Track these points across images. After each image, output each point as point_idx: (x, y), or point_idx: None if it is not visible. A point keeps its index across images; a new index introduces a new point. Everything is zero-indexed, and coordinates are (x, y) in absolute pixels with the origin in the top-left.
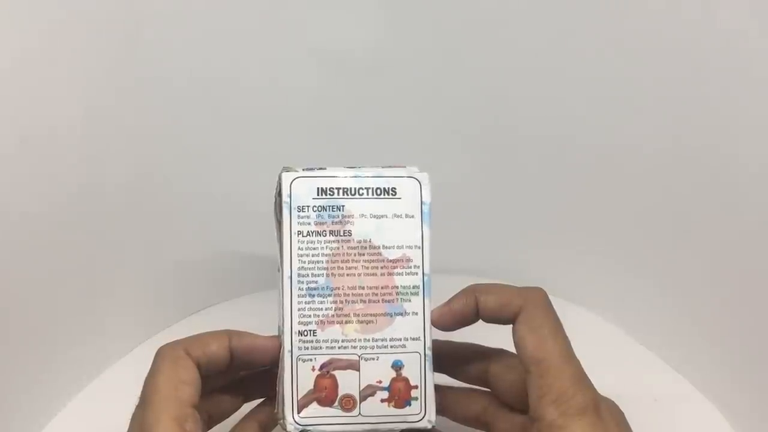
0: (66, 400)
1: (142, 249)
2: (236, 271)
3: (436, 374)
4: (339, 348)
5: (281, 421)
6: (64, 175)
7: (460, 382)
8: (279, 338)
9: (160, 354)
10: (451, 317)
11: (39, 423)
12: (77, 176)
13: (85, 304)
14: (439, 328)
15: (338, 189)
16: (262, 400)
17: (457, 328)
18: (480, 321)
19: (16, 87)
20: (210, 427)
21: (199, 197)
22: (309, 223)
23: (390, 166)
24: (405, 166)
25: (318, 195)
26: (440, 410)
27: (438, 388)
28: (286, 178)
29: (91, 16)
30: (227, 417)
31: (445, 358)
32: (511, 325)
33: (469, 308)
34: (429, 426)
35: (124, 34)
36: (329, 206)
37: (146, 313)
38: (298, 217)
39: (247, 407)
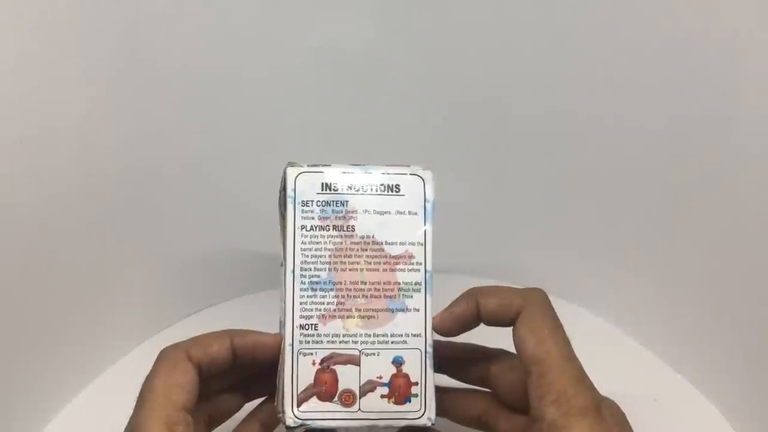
0: (66, 400)
1: (142, 249)
2: (237, 271)
3: (437, 375)
4: (340, 342)
5: (280, 415)
6: (64, 175)
7: (461, 383)
8: (282, 335)
9: (160, 356)
10: (452, 322)
11: (39, 423)
12: (77, 175)
13: (85, 304)
14: (441, 334)
15: (342, 185)
16: (263, 399)
17: (460, 333)
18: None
19: (16, 87)
20: (212, 429)
21: (200, 197)
22: (313, 218)
23: (394, 165)
24: (409, 165)
25: (322, 190)
26: (441, 411)
27: (439, 389)
28: (291, 173)
29: (91, 16)
30: (228, 417)
31: (445, 358)
32: (511, 327)
33: (470, 311)
34: (429, 423)
35: (124, 34)
36: (333, 201)
37: (146, 313)
38: (302, 211)
39: (249, 407)
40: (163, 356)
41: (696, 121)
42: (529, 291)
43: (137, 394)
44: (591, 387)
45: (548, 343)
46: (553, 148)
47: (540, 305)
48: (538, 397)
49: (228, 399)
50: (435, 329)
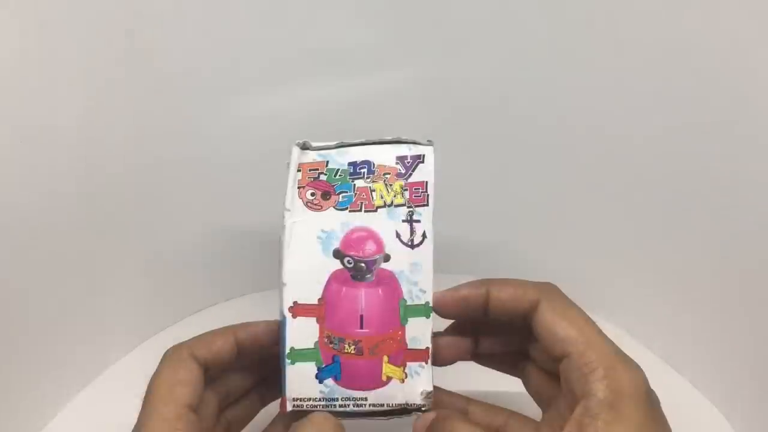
0: (66, 400)
1: (142, 248)
2: (237, 271)
3: (464, 381)
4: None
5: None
6: (64, 174)
7: (479, 394)
8: (277, 321)
9: (164, 356)
10: (453, 301)
11: (39, 423)
12: (77, 175)
13: (85, 303)
14: (438, 313)
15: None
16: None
17: (459, 316)
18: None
19: (16, 87)
20: None
21: (200, 197)
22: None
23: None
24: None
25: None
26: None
27: (459, 401)
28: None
29: (91, 16)
30: (247, 424)
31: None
32: (510, 326)
33: (476, 297)
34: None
35: (124, 34)
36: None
37: (146, 313)
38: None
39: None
40: (167, 356)
41: (697, 121)
42: (543, 283)
43: (138, 394)
44: (637, 366)
45: (580, 323)
46: (553, 149)
47: (558, 294)
48: (582, 374)
49: (245, 406)
50: (434, 303)
